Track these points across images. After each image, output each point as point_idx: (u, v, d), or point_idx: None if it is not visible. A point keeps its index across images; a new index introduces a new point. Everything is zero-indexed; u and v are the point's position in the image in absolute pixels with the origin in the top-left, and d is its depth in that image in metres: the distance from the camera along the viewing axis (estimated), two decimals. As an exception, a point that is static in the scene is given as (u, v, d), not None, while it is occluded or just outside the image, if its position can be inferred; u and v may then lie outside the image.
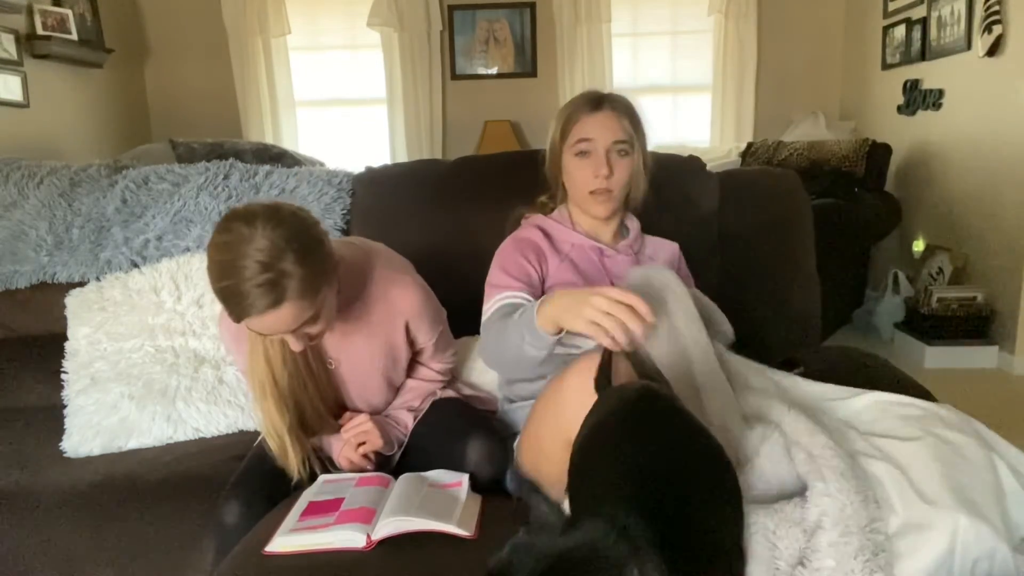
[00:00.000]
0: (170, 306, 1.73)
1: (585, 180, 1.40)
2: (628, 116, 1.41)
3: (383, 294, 1.35)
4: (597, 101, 1.41)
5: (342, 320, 1.34)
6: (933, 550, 0.90)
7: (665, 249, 1.55)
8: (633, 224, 1.53)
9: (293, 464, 1.29)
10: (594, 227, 1.48)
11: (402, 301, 1.35)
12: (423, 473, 1.28)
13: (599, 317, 1.02)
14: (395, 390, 1.47)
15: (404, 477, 1.25)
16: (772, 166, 3.81)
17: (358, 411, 1.41)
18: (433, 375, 1.50)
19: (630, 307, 1.02)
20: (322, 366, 1.36)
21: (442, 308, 1.47)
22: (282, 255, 1.06)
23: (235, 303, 1.07)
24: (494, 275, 1.40)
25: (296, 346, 1.19)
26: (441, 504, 1.13)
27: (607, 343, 1.03)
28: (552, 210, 1.54)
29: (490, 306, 1.35)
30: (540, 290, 1.39)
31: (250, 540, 1.14)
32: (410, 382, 1.49)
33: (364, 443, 1.35)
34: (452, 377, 1.56)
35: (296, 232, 1.10)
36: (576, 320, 1.05)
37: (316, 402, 1.34)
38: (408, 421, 1.43)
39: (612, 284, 1.39)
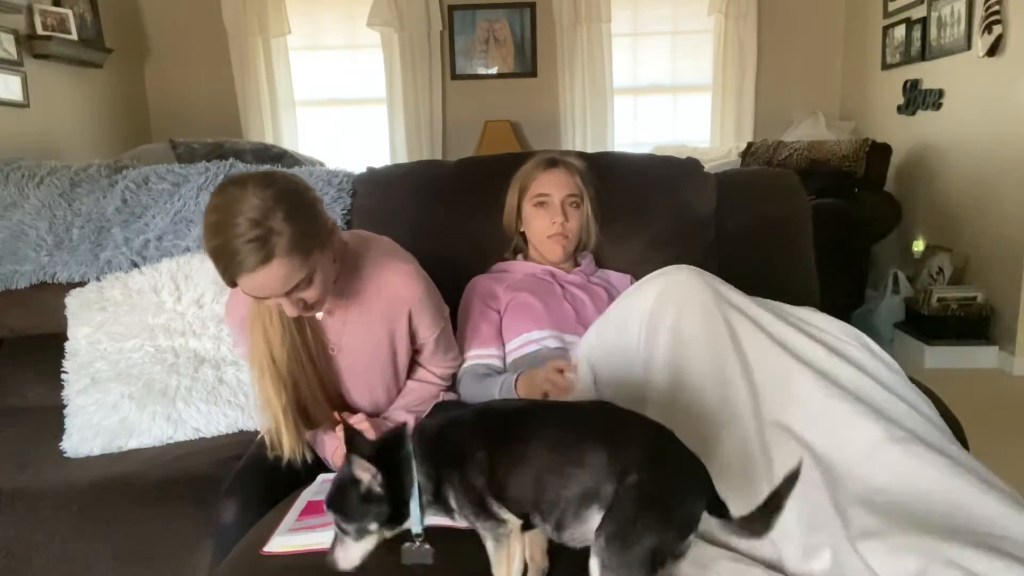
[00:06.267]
0: (170, 306, 1.73)
1: (544, 226, 1.64)
2: (579, 174, 1.67)
3: (386, 281, 1.36)
4: (552, 161, 1.68)
5: (343, 305, 1.34)
6: None
7: (616, 277, 1.74)
8: (586, 258, 1.74)
9: (286, 446, 1.28)
10: (551, 264, 1.70)
11: (404, 289, 1.36)
12: None
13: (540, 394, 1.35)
14: (396, 390, 1.47)
15: None
16: (772, 166, 3.81)
17: (356, 410, 1.41)
18: (433, 378, 1.50)
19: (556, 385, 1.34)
20: (322, 351, 1.36)
21: (445, 305, 1.47)
22: (272, 213, 1.08)
23: (227, 261, 1.09)
24: (464, 324, 1.60)
25: (291, 311, 1.19)
26: None
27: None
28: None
29: (465, 363, 1.56)
30: (500, 322, 1.61)
31: (248, 540, 1.14)
32: (410, 383, 1.49)
33: None
34: (455, 381, 1.56)
35: (286, 193, 1.12)
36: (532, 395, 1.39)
37: (315, 388, 1.34)
38: (408, 422, 1.42)
39: (566, 296, 1.62)
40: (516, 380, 1.44)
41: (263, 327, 1.27)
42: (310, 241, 1.14)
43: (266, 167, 1.79)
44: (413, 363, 1.49)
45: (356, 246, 1.37)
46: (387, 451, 0.92)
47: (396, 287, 1.36)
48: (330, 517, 0.93)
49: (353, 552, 0.93)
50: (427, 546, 0.97)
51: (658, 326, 1.21)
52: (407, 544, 0.99)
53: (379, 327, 1.38)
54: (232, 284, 1.13)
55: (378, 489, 0.90)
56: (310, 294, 1.19)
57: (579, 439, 0.88)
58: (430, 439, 0.95)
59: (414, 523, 0.93)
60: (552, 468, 0.87)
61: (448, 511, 0.94)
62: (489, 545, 0.91)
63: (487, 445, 0.91)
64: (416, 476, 0.92)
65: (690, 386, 1.13)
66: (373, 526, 0.92)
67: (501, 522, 0.90)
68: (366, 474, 0.90)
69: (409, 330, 1.40)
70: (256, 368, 1.29)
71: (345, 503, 0.91)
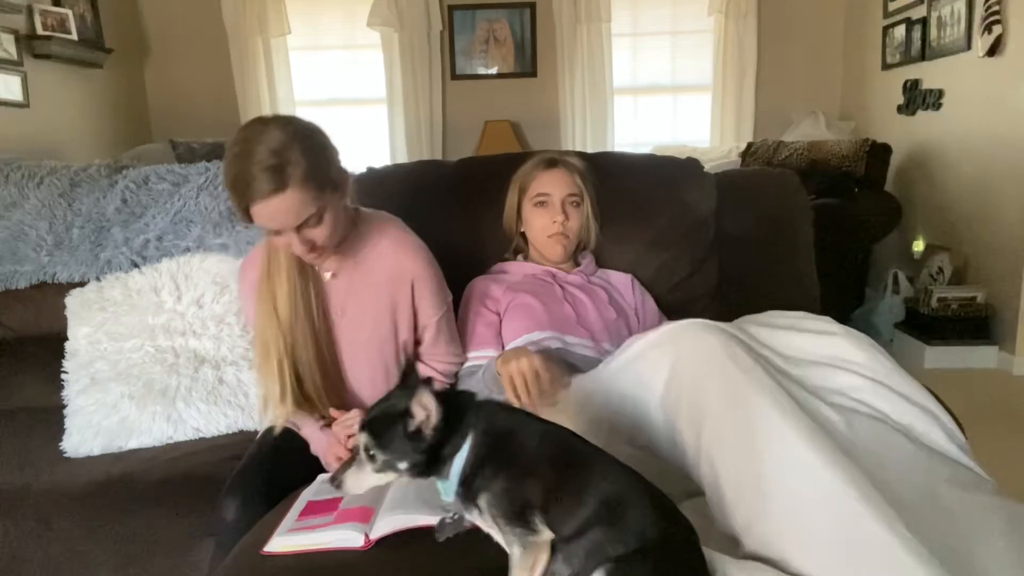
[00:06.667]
0: (170, 306, 1.74)
1: (544, 226, 1.63)
2: (578, 174, 1.67)
3: (392, 250, 1.40)
4: (552, 160, 1.68)
5: (349, 269, 1.39)
6: None
7: (616, 277, 1.73)
8: (586, 258, 1.73)
9: (276, 390, 1.32)
10: (551, 265, 1.69)
11: (409, 260, 1.41)
12: None
13: (514, 375, 1.27)
14: (397, 376, 1.46)
15: None
16: (772, 166, 3.82)
17: (352, 405, 1.42)
18: (435, 374, 1.50)
19: (537, 377, 1.25)
20: (324, 317, 1.39)
21: (448, 292, 1.49)
22: (290, 146, 1.16)
23: (243, 188, 1.15)
24: (463, 326, 1.58)
25: (299, 249, 1.23)
26: (437, 495, 1.12)
27: (510, 396, 1.28)
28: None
29: (464, 364, 1.55)
30: (499, 324, 1.59)
31: (249, 540, 1.14)
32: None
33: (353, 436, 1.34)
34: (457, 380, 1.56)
35: (306, 132, 1.22)
36: (502, 370, 1.31)
37: (311, 357, 1.35)
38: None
39: (566, 297, 1.60)
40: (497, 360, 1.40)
41: (272, 284, 1.33)
42: (324, 178, 1.21)
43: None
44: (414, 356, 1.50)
45: (368, 214, 1.43)
46: (446, 406, 0.88)
47: (401, 257, 1.40)
48: (360, 438, 0.89)
49: (365, 481, 0.90)
50: (460, 516, 0.95)
51: (677, 408, 1.10)
52: (443, 518, 0.98)
53: (382, 296, 1.40)
54: (246, 214, 1.18)
55: (429, 432, 0.87)
56: (319, 233, 1.23)
57: (638, 503, 0.87)
58: (493, 431, 0.90)
59: (448, 491, 0.90)
60: (605, 521, 0.85)
61: (466, 501, 0.91)
62: (515, 551, 0.88)
63: (554, 465, 0.89)
64: (466, 449, 0.88)
65: (721, 462, 1.05)
66: (403, 465, 0.88)
67: (534, 532, 0.87)
68: (423, 412, 0.86)
69: (412, 305, 1.42)
70: (260, 323, 1.34)
71: (386, 431, 0.88)
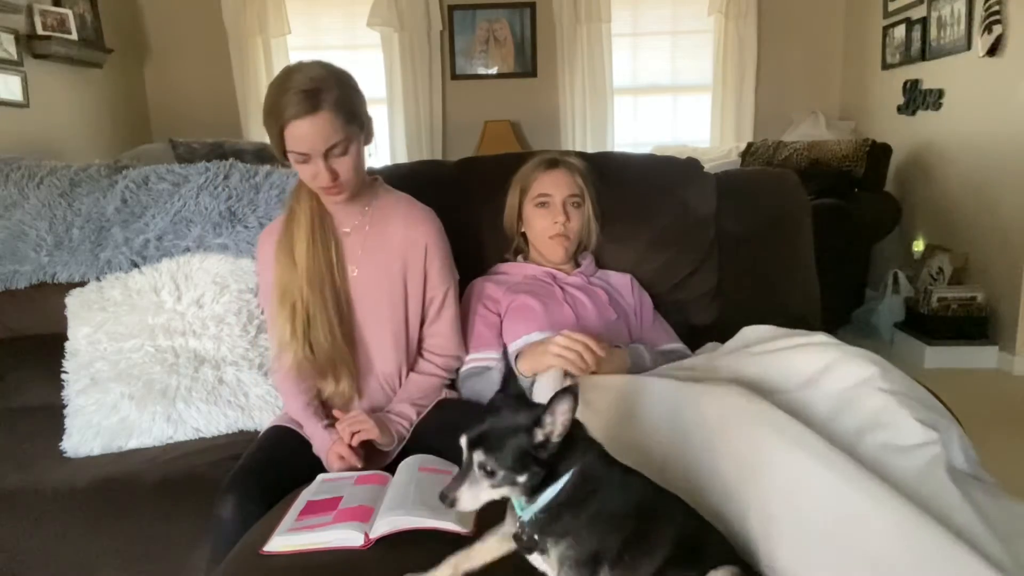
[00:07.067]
0: (170, 306, 1.73)
1: (545, 227, 1.64)
2: (579, 174, 1.67)
3: (407, 214, 1.49)
4: (553, 161, 1.68)
5: (366, 226, 1.47)
6: None
7: (616, 278, 1.73)
8: (587, 259, 1.73)
9: (287, 330, 1.38)
10: (551, 266, 1.70)
11: (423, 224, 1.49)
12: (421, 456, 1.27)
13: (561, 351, 1.30)
14: (405, 352, 1.49)
15: (402, 466, 1.24)
16: (772, 166, 3.82)
17: (359, 368, 1.46)
18: (435, 369, 1.51)
19: (585, 343, 1.29)
20: (341, 273, 1.44)
21: (456, 270, 1.55)
22: (327, 78, 1.29)
23: (279, 110, 1.26)
24: (464, 323, 1.58)
25: (324, 178, 1.32)
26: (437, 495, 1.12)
27: (572, 370, 1.30)
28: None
29: (465, 365, 1.56)
30: (500, 325, 1.60)
31: (248, 540, 1.14)
32: (412, 376, 1.51)
33: (358, 432, 1.34)
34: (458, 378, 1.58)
35: (342, 73, 1.34)
36: (544, 358, 1.33)
37: (330, 309, 1.40)
38: (411, 414, 1.44)
39: (566, 298, 1.60)
40: (516, 358, 1.45)
41: (291, 236, 1.41)
42: (353, 112, 1.32)
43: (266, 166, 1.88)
44: (417, 354, 1.52)
45: (385, 185, 1.54)
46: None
47: (414, 221, 1.48)
48: (475, 457, 0.84)
49: (481, 497, 0.85)
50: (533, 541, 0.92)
51: (712, 456, 1.06)
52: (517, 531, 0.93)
53: (395, 259, 1.46)
54: (280, 141, 1.29)
55: (556, 440, 0.83)
56: (344, 165, 1.33)
57: (708, 555, 0.87)
58: (593, 473, 0.87)
59: (526, 510, 0.87)
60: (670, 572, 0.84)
61: (541, 532, 0.87)
62: None
63: (639, 516, 0.86)
64: (566, 479, 0.85)
65: (757, 505, 1.02)
66: (522, 479, 0.84)
67: None
68: (551, 419, 0.82)
69: (423, 271, 1.48)
70: (278, 272, 1.41)
71: (505, 445, 0.83)
